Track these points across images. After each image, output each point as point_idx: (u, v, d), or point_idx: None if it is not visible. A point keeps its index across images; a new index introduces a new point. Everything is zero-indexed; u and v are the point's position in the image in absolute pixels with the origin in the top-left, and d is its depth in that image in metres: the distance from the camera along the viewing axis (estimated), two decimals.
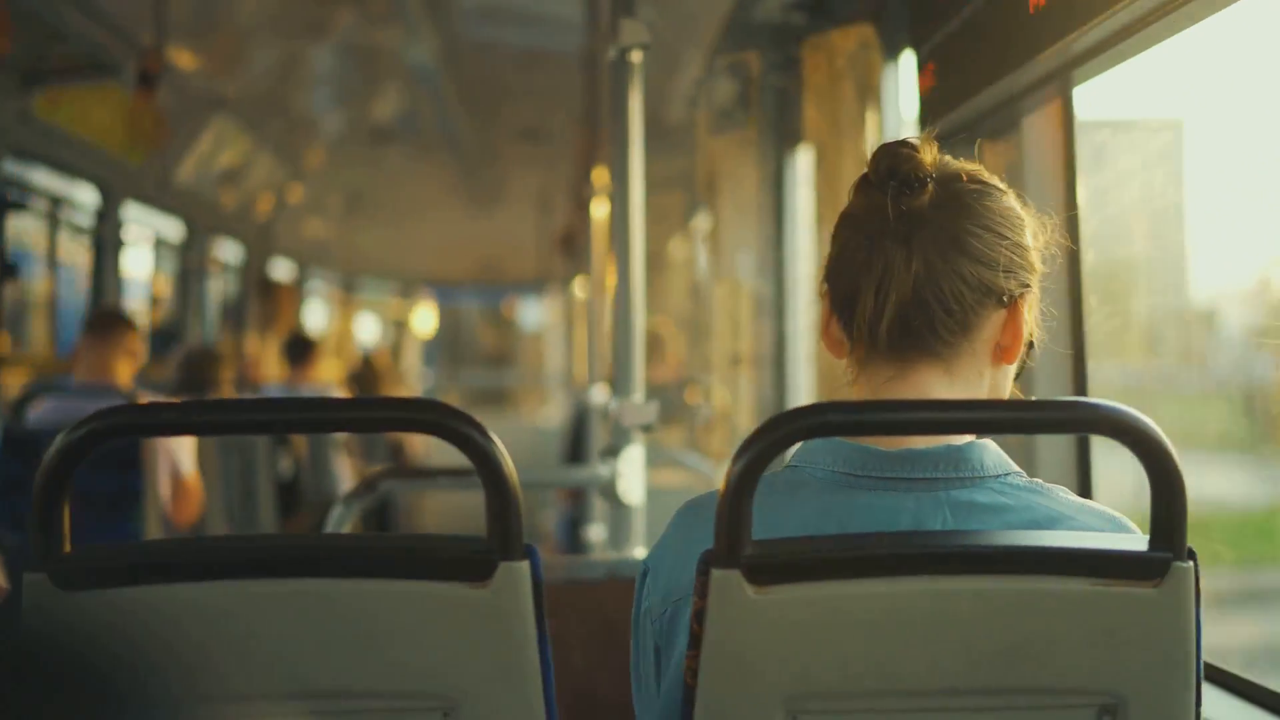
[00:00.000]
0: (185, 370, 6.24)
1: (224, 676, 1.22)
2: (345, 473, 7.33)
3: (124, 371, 4.44)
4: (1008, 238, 1.40)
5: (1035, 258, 1.44)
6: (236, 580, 1.21)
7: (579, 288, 9.81)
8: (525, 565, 1.23)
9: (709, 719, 1.23)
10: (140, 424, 1.24)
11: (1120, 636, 1.22)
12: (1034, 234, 1.44)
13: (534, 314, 15.84)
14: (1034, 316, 1.44)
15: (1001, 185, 1.45)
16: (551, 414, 12.33)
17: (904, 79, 2.86)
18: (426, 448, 8.74)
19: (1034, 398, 1.37)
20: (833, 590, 1.21)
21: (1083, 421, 1.29)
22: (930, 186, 1.39)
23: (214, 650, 1.21)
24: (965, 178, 1.42)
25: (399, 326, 14.88)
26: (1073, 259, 2.14)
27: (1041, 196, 2.13)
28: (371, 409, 1.27)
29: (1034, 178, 2.14)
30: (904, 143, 1.42)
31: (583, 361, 11.21)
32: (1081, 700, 1.24)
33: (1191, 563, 1.21)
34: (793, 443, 1.21)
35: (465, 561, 1.22)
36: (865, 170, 1.44)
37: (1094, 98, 2.13)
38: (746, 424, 5.15)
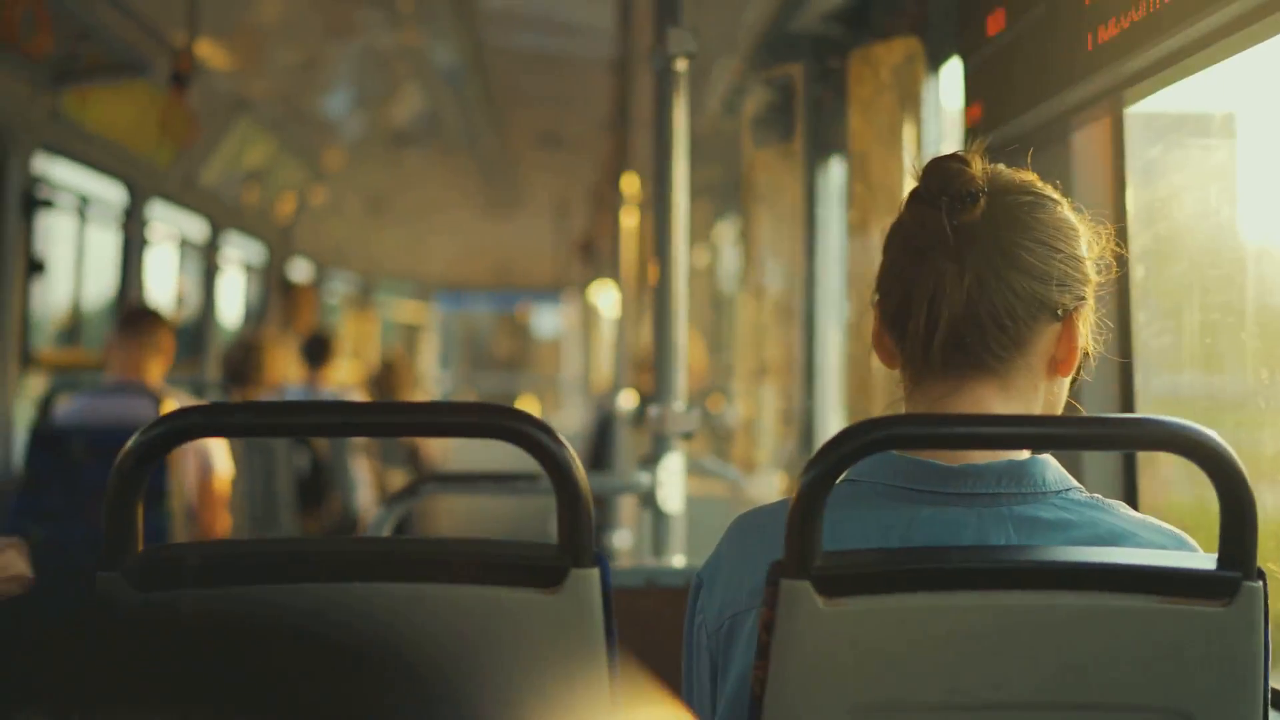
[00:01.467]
0: (235, 362, 6.27)
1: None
2: (363, 474, 7.34)
3: (155, 370, 4.43)
4: (1061, 250, 1.38)
5: (1090, 269, 1.41)
6: (309, 583, 1.21)
7: (595, 294, 9.82)
8: (595, 573, 1.24)
9: None
10: (215, 424, 1.25)
11: (1187, 655, 1.22)
12: (1089, 244, 1.42)
13: (549, 319, 15.84)
14: (1089, 328, 1.42)
15: (1055, 195, 1.43)
16: (566, 419, 12.32)
17: (946, 90, 2.86)
18: (444, 451, 8.73)
19: (1097, 414, 1.37)
20: (901, 603, 1.21)
21: (1152, 439, 1.29)
22: (982, 201, 1.37)
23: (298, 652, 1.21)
24: (1018, 189, 1.40)
25: (414, 330, 14.88)
26: (1122, 271, 2.12)
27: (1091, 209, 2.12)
28: (450, 414, 1.28)
29: (1084, 190, 2.14)
30: (955, 156, 1.41)
31: (599, 367, 11.22)
32: (1147, 717, 1.24)
33: (1261, 582, 1.21)
34: (864, 455, 1.22)
35: (537, 568, 1.23)
36: (915, 184, 1.42)
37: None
38: (771, 433, 5.14)
